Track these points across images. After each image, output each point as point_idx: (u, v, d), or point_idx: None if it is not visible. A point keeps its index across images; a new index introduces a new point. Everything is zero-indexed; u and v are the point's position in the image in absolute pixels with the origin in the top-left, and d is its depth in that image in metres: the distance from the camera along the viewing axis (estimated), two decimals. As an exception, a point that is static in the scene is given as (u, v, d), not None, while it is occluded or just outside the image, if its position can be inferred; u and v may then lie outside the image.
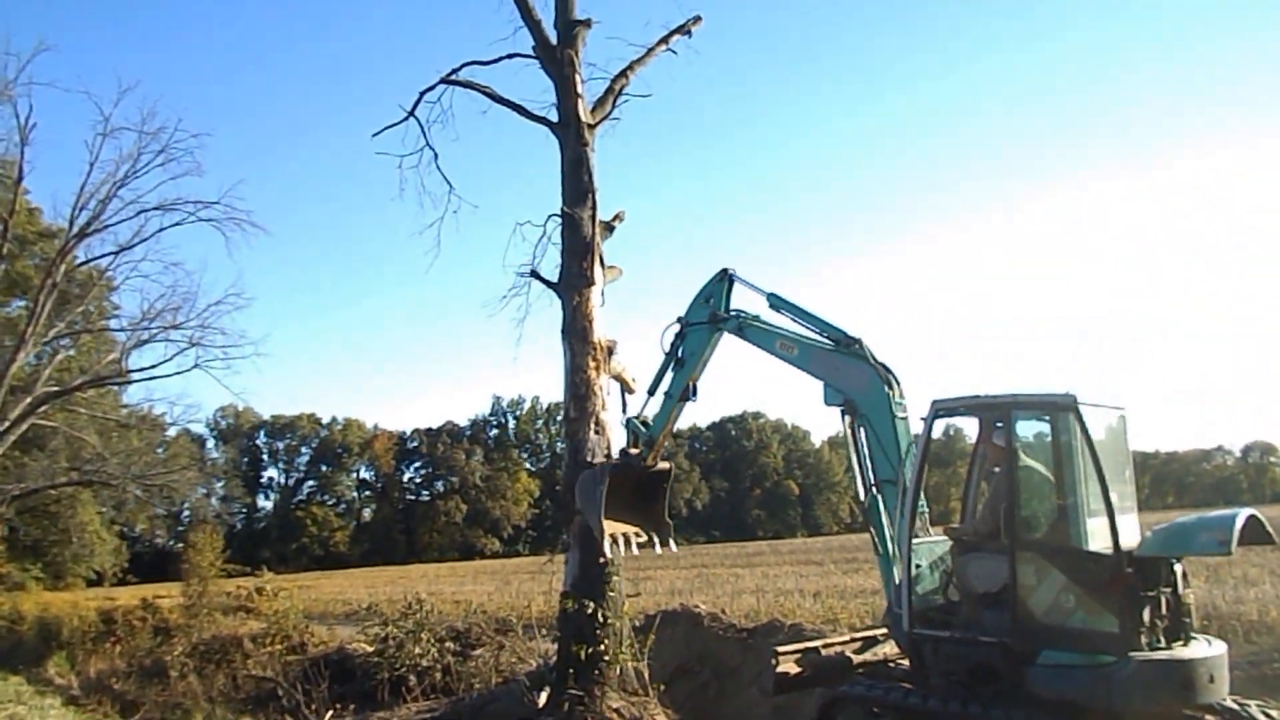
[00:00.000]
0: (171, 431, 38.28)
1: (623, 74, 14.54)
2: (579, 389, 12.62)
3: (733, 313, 10.45)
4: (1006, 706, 7.70)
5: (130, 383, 30.79)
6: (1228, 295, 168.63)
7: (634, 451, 11.66)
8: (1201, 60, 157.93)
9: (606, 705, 11.12)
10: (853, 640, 10.52)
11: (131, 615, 24.69)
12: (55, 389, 27.70)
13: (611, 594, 12.17)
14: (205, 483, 42.73)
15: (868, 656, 9.96)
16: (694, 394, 11.09)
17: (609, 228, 14.04)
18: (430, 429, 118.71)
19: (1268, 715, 7.82)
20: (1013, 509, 7.96)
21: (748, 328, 10.27)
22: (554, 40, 14.27)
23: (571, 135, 13.85)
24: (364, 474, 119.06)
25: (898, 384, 9.23)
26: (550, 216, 13.64)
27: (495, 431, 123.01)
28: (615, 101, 14.50)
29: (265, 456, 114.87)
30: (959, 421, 9.13)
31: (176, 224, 27.20)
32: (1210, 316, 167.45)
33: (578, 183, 13.68)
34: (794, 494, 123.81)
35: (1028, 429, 8.36)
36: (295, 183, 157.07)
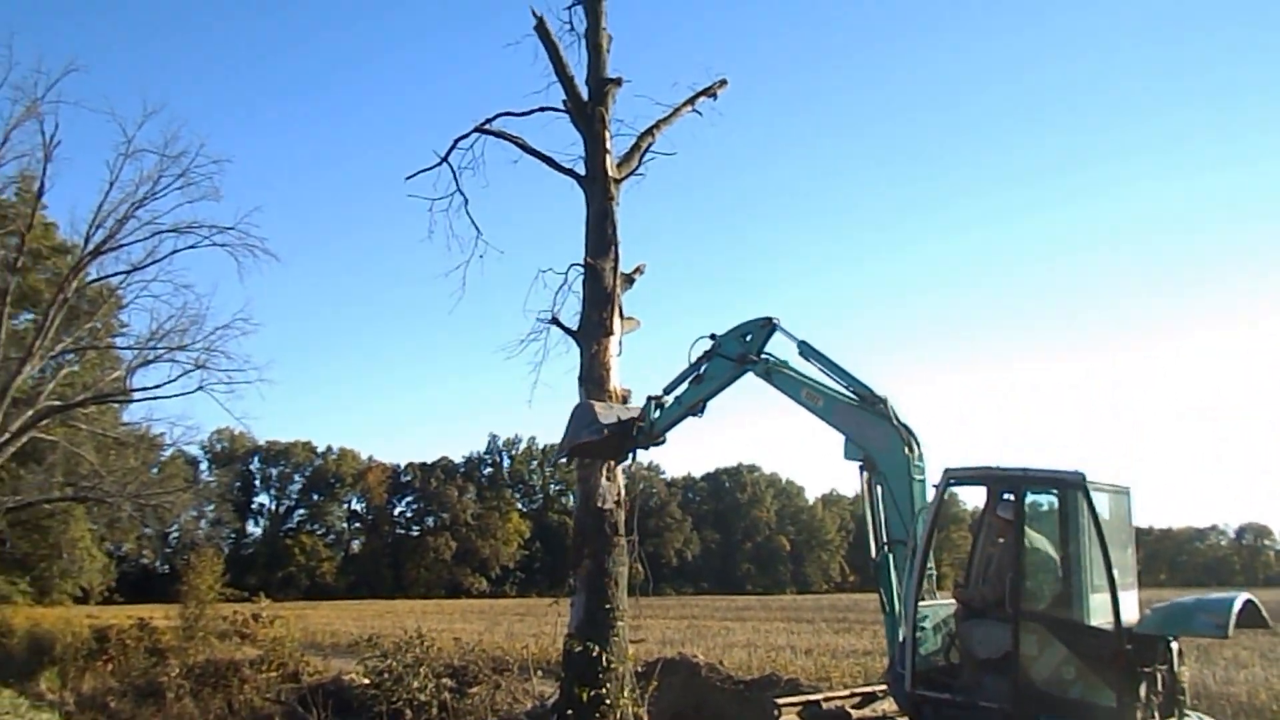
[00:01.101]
0: (168, 452, 38.32)
1: (649, 132, 15.02)
2: None
3: (763, 357, 10.43)
4: None
5: (133, 401, 30.88)
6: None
7: (639, 424, 11.54)
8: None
9: None
10: (852, 695, 10.67)
11: (126, 635, 24.57)
12: (58, 403, 27.77)
13: (615, 638, 12.39)
14: (198, 505, 42.58)
15: (866, 713, 10.14)
16: (701, 411, 11.10)
17: (629, 280, 14.36)
18: (424, 463, 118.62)
19: None
20: (1018, 579, 8.13)
21: (775, 374, 10.27)
22: (585, 96, 14.74)
23: (598, 189, 14.25)
24: (355, 505, 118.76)
25: (918, 446, 9.34)
26: (572, 266, 14.04)
27: (489, 470, 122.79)
28: (641, 158, 15.00)
29: (258, 482, 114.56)
30: (958, 489, 9.30)
31: (191, 247, 27.40)
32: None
33: (601, 235, 14.05)
34: (785, 550, 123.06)
35: (1036, 502, 8.55)
36: (301, 210, 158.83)
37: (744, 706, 12.77)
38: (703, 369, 10.86)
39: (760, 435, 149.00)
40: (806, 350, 10.14)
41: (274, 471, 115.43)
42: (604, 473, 12.84)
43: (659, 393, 11.40)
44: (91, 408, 29.81)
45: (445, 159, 15.37)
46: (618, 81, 14.78)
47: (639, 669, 13.34)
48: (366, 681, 16.39)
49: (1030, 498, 8.48)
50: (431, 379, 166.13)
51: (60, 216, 36.73)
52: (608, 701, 11.60)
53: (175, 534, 57.21)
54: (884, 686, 10.48)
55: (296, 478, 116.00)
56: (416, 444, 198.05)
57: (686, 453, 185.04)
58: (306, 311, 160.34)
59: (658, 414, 11.36)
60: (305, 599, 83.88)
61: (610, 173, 14.35)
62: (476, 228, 15.69)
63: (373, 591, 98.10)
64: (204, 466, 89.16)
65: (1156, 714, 7.70)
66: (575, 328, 13.85)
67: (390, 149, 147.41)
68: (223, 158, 27.66)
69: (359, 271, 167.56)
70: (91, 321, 30.57)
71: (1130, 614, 7.94)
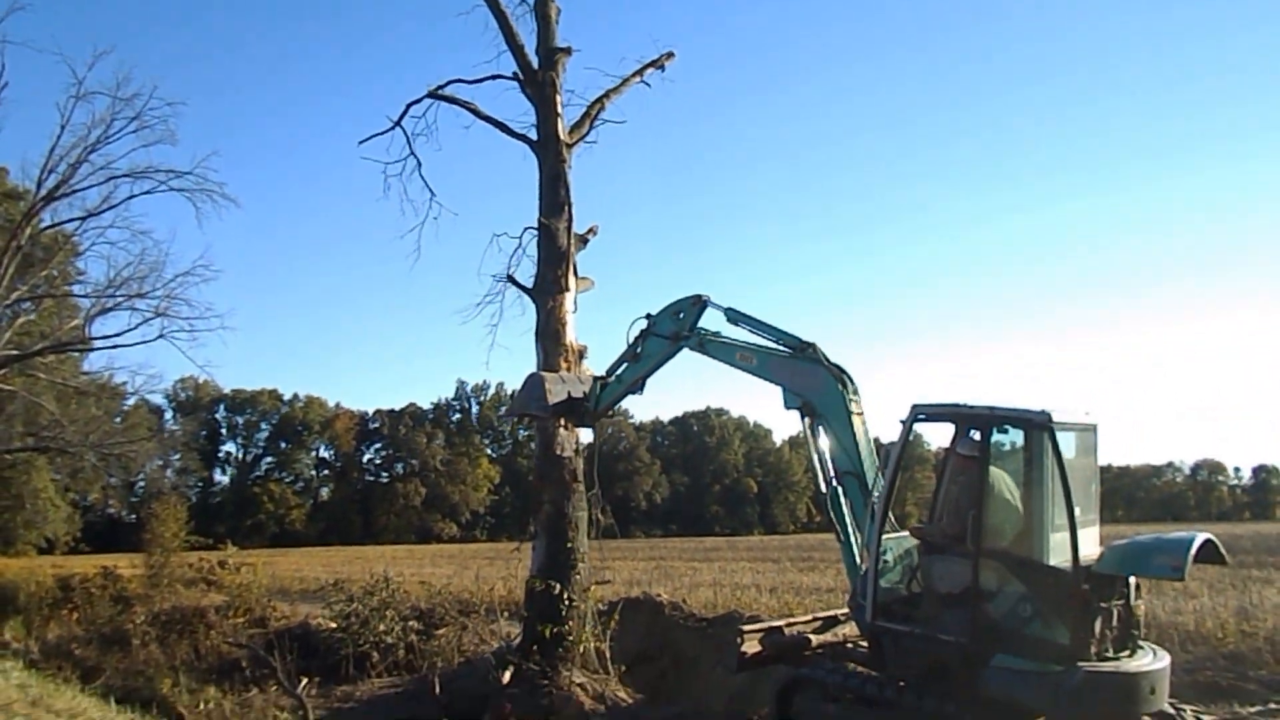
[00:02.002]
0: (130, 401, 37.91)
1: (599, 101, 15.20)
2: None
3: (696, 331, 10.79)
4: (961, 705, 8.08)
5: (92, 350, 30.38)
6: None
7: (585, 404, 12.01)
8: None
9: (569, 680, 11.54)
10: (814, 620, 10.83)
11: (90, 583, 24.47)
12: (14, 353, 27.31)
13: (576, 578, 12.81)
14: (163, 454, 42.17)
15: (828, 637, 10.31)
16: (641, 389, 11.48)
17: (583, 240, 14.59)
18: (392, 410, 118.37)
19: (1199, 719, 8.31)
20: (980, 516, 8.23)
21: (708, 343, 10.67)
22: (535, 65, 14.82)
23: (550, 153, 14.41)
24: (323, 453, 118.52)
25: (851, 383, 9.72)
26: (526, 229, 14.31)
27: (458, 416, 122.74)
28: (592, 125, 15.16)
29: (224, 430, 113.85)
30: (922, 427, 9.43)
31: (147, 192, 26.75)
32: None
33: (554, 196, 14.21)
34: (753, 492, 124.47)
35: (1001, 441, 8.59)
36: (266, 155, 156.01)
37: (706, 643, 12.97)
38: (639, 348, 11.24)
39: (728, 379, 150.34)
40: (734, 315, 10.53)
41: (240, 420, 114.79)
42: (562, 422, 13.03)
43: (603, 373, 11.89)
44: (50, 357, 29.28)
45: (398, 123, 15.49)
46: (567, 50, 14.98)
47: (601, 608, 13.62)
48: (333, 625, 16.55)
49: (996, 436, 8.55)
50: (398, 325, 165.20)
51: (11, 161, 35.87)
52: (570, 638, 11.88)
53: (141, 483, 56.93)
54: (844, 611, 10.77)
55: (263, 426, 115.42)
56: (384, 391, 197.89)
57: (655, 397, 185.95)
58: (269, 258, 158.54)
59: (606, 390, 11.82)
60: (274, 546, 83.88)
61: (562, 138, 14.50)
62: (430, 190, 15.94)
63: (342, 538, 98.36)
64: (168, 415, 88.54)
65: (1111, 648, 7.91)
66: (531, 286, 14.07)
67: (352, 92, 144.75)
68: (177, 100, 26.78)
69: (321, 216, 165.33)
70: (47, 269, 29.94)
71: (1091, 550, 8.07)
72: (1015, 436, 8.48)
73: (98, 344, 28.94)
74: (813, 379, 9.75)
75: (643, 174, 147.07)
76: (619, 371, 11.58)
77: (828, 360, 9.75)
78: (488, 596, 21.12)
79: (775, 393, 10.07)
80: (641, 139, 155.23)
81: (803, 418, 9.93)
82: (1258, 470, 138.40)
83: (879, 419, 9.86)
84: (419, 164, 15.74)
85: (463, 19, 15.28)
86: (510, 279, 14.01)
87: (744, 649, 9.84)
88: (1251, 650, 13.73)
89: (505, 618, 16.52)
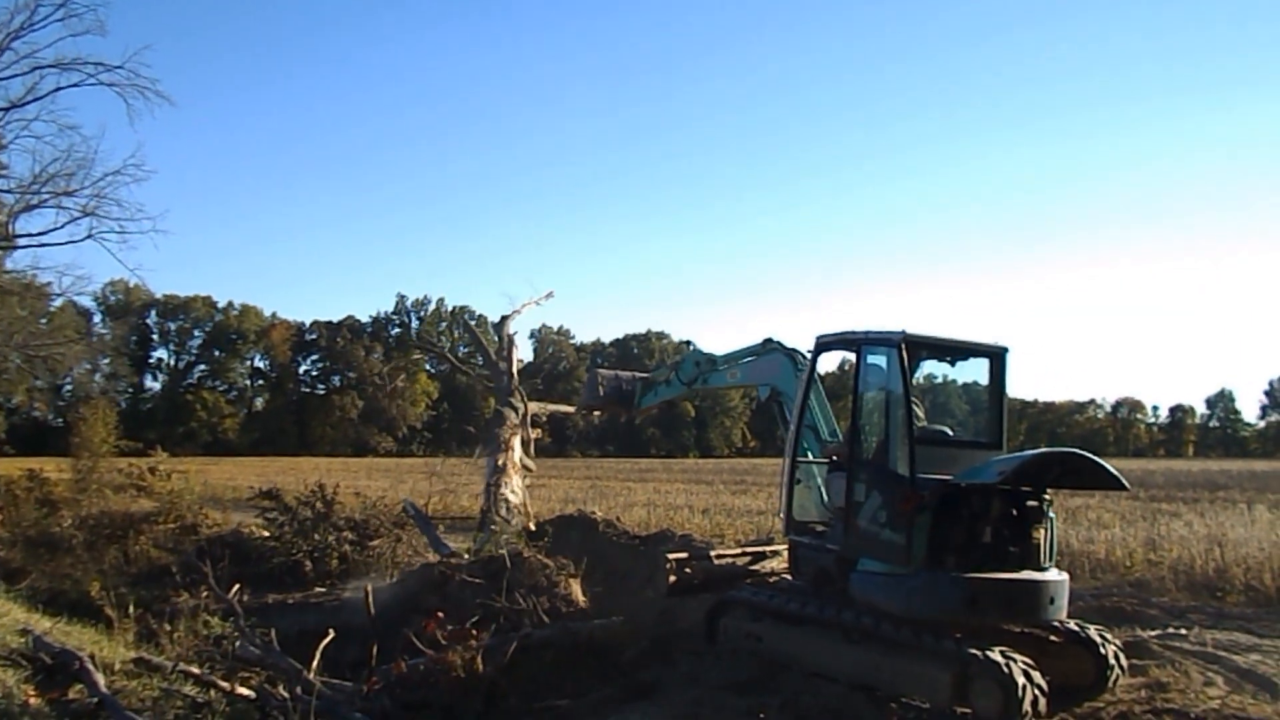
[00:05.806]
0: (57, 302, 36.71)
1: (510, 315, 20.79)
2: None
3: (697, 375, 12.68)
4: (843, 609, 8.75)
5: (16, 248, 29.21)
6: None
7: (632, 399, 14.01)
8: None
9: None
10: (743, 554, 11.44)
11: (15, 486, 23.98)
12: (-68, 249, 26.30)
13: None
14: (91, 358, 41.01)
15: (755, 568, 10.95)
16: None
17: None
18: (330, 322, 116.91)
19: (1103, 636, 8.80)
20: (854, 433, 9.04)
21: (709, 378, 12.67)
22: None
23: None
24: (259, 362, 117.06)
25: (804, 358, 10.94)
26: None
27: (397, 330, 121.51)
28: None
29: (155, 336, 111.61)
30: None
31: (75, 85, 25.42)
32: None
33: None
34: (689, 415, 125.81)
35: (874, 362, 9.14)
36: (198, 50, 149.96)
37: (638, 560, 13.25)
38: (669, 376, 13.35)
39: (670, 302, 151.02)
40: (717, 357, 12.63)
41: (172, 326, 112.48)
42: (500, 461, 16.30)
43: (648, 374, 14.25)
44: (-30, 253, 28.18)
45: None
46: (512, 315, 20.64)
47: (534, 528, 14.05)
48: (266, 534, 16.55)
49: (869, 358, 9.12)
50: (338, 234, 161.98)
51: (-75, 45, 33.83)
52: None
53: (68, 387, 55.68)
54: (773, 546, 11.70)
55: (196, 333, 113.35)
56: (322, 301, 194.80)
57: (598, 317, 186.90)
58: (207, 160, 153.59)
59: (646, 395, 13.78)
60: (207, 455, 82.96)
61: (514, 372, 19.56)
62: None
63: (277, 449, 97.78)
64: (97, 319, 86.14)
65: (988, 560, 8.27)
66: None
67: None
68: (106, -12, 25.39)
69: (262, 120, 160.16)
70: (-34, 160, 28.58)
71: None
72: (882, 356, 8.98)
73: (21, 242, 27.77)
74: (771, 366, 11.31)
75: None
76: (657, 385, 13.61)
77: (784, 346, 11.26)
78: (423, 510, 21.13)
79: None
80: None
81: (772, 405, 11.32)
82: (1174, 410, 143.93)
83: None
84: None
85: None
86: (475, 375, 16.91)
87: (676, 575, 10.65)
88: (1156, 578, 14.53)
89: (441, 531, 16.65)
